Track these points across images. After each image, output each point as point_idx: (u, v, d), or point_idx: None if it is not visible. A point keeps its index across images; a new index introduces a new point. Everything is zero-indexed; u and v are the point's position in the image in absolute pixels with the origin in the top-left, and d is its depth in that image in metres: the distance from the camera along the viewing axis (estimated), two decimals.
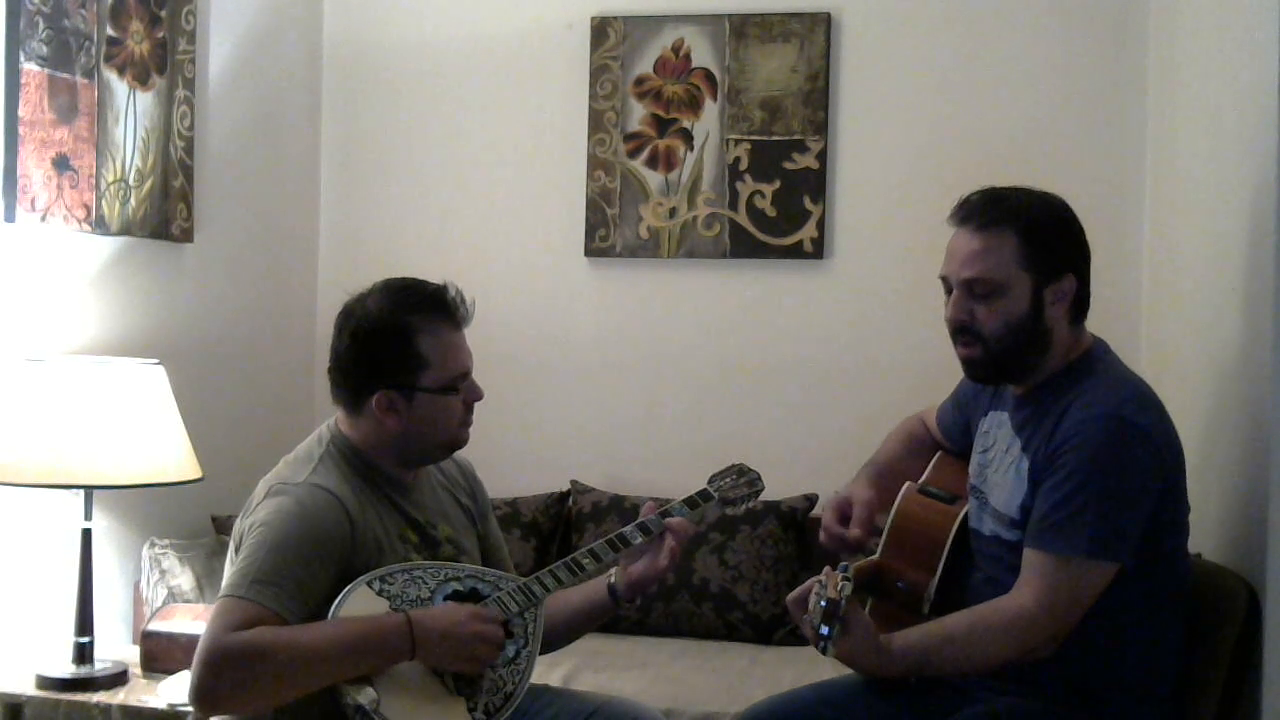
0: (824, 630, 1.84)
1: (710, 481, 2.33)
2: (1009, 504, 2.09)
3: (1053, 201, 2.12)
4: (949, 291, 2.12)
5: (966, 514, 2.22)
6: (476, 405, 2.17)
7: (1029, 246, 2.04)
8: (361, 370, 2.09)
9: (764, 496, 3.34)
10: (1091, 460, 1.96)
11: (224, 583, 1.95)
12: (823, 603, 1.85)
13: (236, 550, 2.00)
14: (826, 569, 1.96)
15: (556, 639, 2.25)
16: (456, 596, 2.05)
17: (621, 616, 3.26)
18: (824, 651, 1.87)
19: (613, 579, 2.22)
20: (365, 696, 1.89)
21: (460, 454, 2.31)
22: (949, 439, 2.39)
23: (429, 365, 2.07)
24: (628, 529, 2.19)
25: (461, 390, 2.12)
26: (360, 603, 1.95)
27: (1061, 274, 2.07)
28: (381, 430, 2.09)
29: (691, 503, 2.26)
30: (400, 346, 2.06)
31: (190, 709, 1.90)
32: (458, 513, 2.25)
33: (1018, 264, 2.04)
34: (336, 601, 1.94)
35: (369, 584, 1.98)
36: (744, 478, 2.35)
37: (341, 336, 2.11)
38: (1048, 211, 2.10)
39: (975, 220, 2.07)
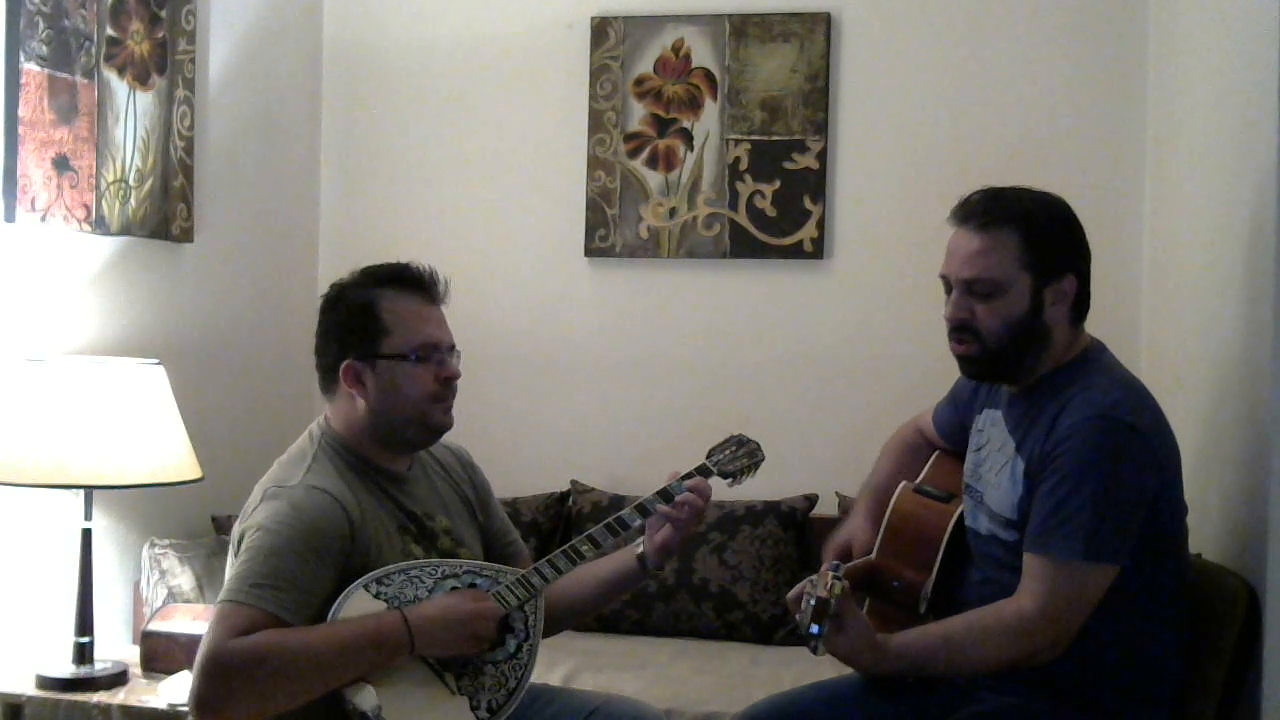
0: (814, 629, 1.84)
1: (709, 455, 2.28)
2: (1004, 504, 2.09)
3: (1053, 201, 2.11)
4: (949, 290, 2.12)
5: (963, 513, 2.22)
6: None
7: (1030, 246, 2.04)
8: (329, 344, 2.11)
9: (764, 496, 3.39)
10: (1086, 462, 1.96)
11: (224, 587, 1.95)
12: (812, 601, 1.85)
13: (235, 555, 1.99)
14: (824, 568, 1.96)
15: (583, 610, 2.28)
16: None
17: (625, 606, 3.30)
18: (815, 651, 1.87)
19: (640, 549, 2.21)
20: (368, 702, 1.88)
21: (457, 445, 2.31)
22: (947, 439, 2.39)
23: (389, 331, 2.07)
24: (625, 512, 2.18)
25: (430, 362, 2.09)
26: (358, 606, 1.95)
27: (1062, 274, 2.07)
28: (355, 409, 2.09)
29: (690, 479, 2.21)
30: (361, 314, 2.08)
31: (189, 713, 1.89)
32: (456, 504, 2.25)
33: (1018, 264, 2.04)
34: (334, 607, 1.94)
35: (365, 587, 1.98)
36: (743, 448, 2.30)
37: (318, 319, 2.14)
38: (1049, 211, 2.09)
39: (976, 220, 2.07)
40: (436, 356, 2.10)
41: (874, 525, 2.28)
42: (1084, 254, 2.12)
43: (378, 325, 2.07)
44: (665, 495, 2.16)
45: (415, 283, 2.11)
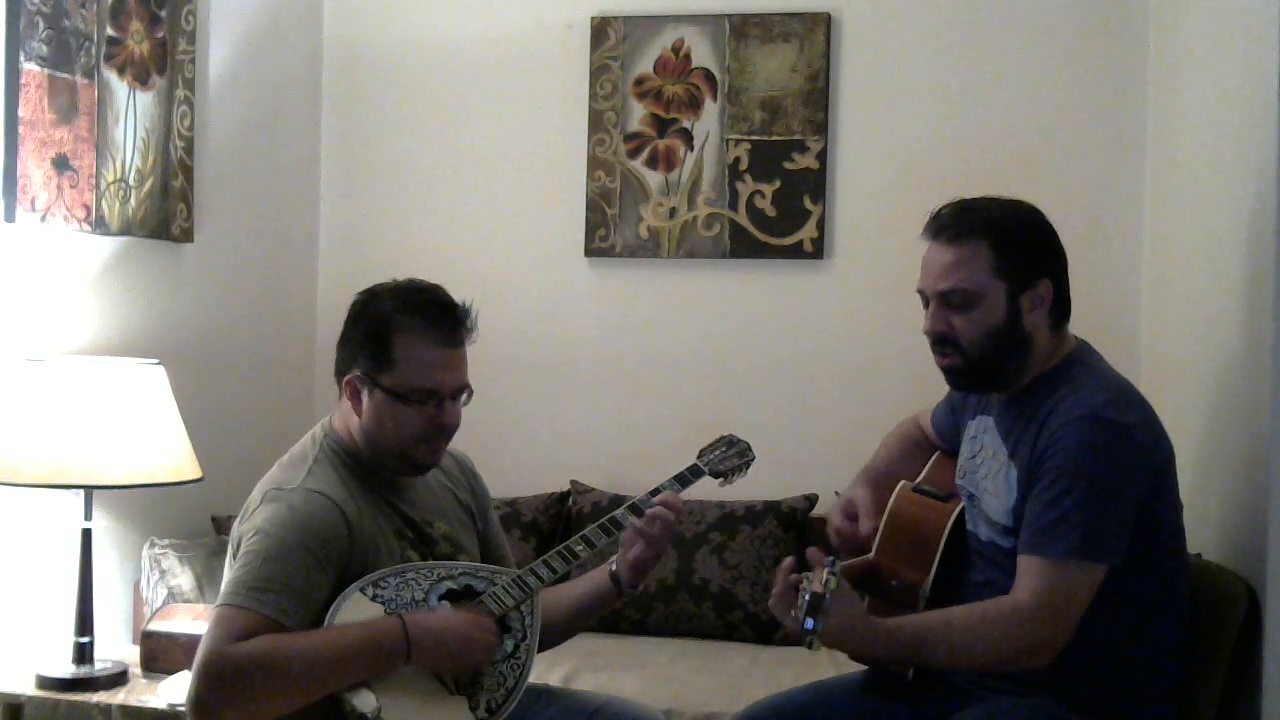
0: (809, 624, 1.83)
1: (700, 456, 2.31)
2: (1000, 511, 2.09)
3: (1023, 209, 2.12)
4: (927, 305, 2.13)
5: (962, 512, 2.22)
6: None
7: (1001, 255, 2.05)
8: (345, 349, 2.11)
9: (764, 496, 3.39)
10: (1076, 463, 1.96)
11: (221, 590, 1.95)
12: (807, 596, 1.84)
13: (233, 557, 1.99)
14: (819, 560, 1.96)
15: (560, 632, 2.24)
16: (450, 595, 2.05)
17: (625, 606, 3.24)
18: (810, 647, 1.86)
19: (614, 566, 2.21)
20: (367, 704, 1.88)
21: (460, 452, 2.31)
22: (945, 440, 2.39)
23: (393, 366, 2.05)
24: (618, 512, 2.19)
25: (425, 406, 2.06)
26: (355, 609, 1.95)
27: (1037, 280, 2.07)
28: (353, 419, 2.09)
29: (682, 479, 2.24)
30: (375, 337, 2.06)
31: (188, 717, 1.89)
32: (456, 510, 2.25)
33: (991, 273, 2.05)
34: (331, 610, 1.94)
35: (362, 590, 1.98)
36: (733, 448, 2.33)
37: (349, 311, 2.14)
38: (1018, 219, 2.10)
39: (947, 233, 2.09)
40: (434, 401, 2.07)
41: (872, 492, 2.30)
42: (1058, 259, 2.12)
43: (386, 355, 2.05)
44: (636, 510, 2.17)
45: (441, 320, 2.07)
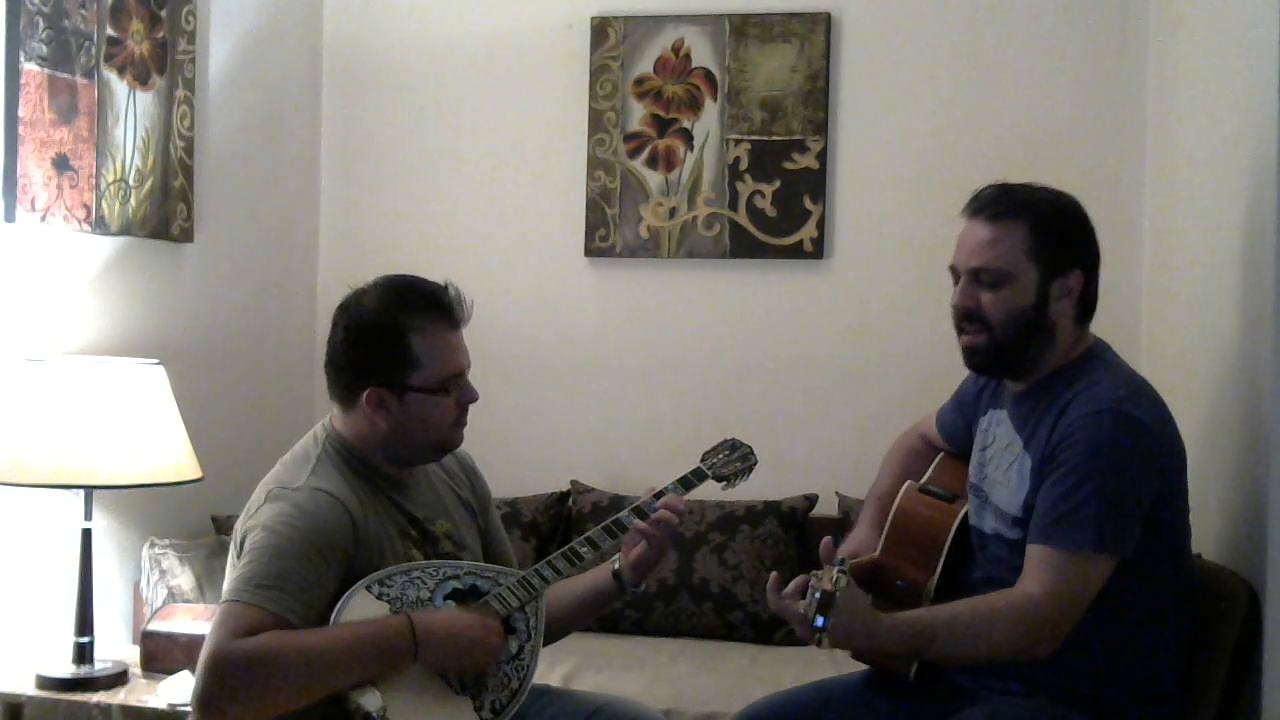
0: (819, 622, 1.83)
1: (703, 459, 2.32)
2: (1011, 502, 2.09)
3: (1065, 198, 2.13)
4: (956, 281, 2.12)
5: (967, 513, 2.22)
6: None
7: (1038, 238, 2.06)
8: (354, 366, 2.09)
9: (764, 496, 3.39)
10: (1093, 455, 1.96)
11: (225, 587, 1.94)
12: (817, 594, 1.84)
13: (238, 555, 1.99)
14: (827, 562, 1.96)
15: (559, 628, 2.25)
16: (456, 595, 2.05)
17: (625, 606, 3.26)
18: (819, 644, 1.86)
19: (617, 565, 2.22)
20: (372, 703, 1.88)
21: (461, 449, 2.31)
22: (951, 442, 2.39)
23: (420, 365, 2.06)
24: (623, 514, 2.20)
25: (454, 391, 2.10)
26: (360, 607, 1.95)
27: (1069, 269, 2.08)
28: (373, 427, 2.08)
29: (686, 482, 2.25)
30: (392, 345, 2.05)
31: (191, 713, 1.89)
32: (458, 508, 2.25)
33: (1026, 255, 2.05)
34: (337, 608, 1.94)
35: (368, 588, 1.98)
36: (736, 452, 2.34)
37: (336, 331, 2.11)
38: (1059, 206, 2.11)
39: (987, 211, 2.09)
40: (459, 384, 2.10)
41: (879, 534, 2.28)
42: (1092, 252, 2.12)
43: (408, 358, 2.05)
44: (640, 513, 2.18)
45: (441, 307, 2.08)
